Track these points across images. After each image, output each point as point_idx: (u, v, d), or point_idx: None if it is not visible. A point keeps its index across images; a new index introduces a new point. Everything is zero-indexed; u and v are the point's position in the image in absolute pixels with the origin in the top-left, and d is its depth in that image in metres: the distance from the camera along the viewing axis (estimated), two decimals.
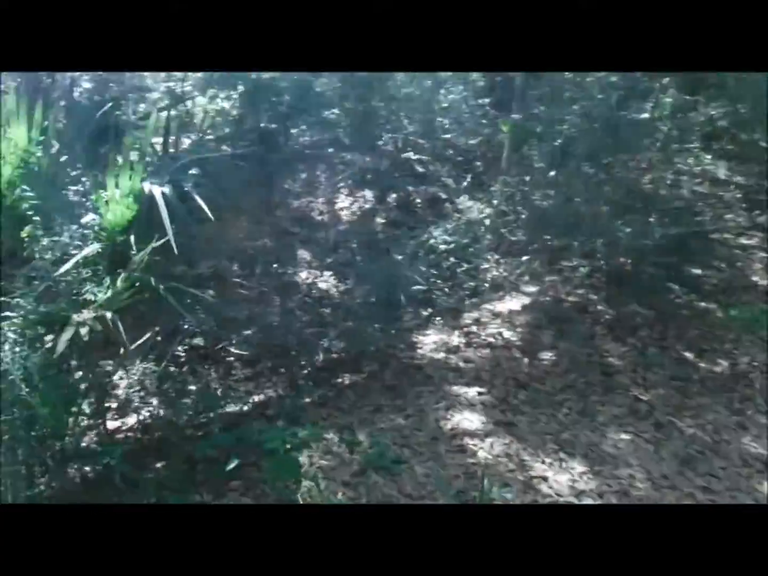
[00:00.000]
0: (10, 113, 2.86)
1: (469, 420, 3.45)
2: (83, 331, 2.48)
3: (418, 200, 5.56)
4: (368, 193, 5.61)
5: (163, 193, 2.81)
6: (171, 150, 3.42)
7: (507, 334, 4.23)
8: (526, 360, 3.99)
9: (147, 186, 2.86)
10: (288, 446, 2.80)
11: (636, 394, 3.71)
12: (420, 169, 5.74)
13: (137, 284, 2.72)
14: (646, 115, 4.58)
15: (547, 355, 4.04)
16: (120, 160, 2.87)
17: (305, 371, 3.88)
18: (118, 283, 2.67)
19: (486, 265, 4.80)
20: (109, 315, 2.55)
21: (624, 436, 3.37)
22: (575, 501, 2.91)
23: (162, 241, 2.70)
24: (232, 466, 2.77)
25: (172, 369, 3.52)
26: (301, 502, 2.72)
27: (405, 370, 3.92)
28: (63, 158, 2.96)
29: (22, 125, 2.87)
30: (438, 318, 4.40)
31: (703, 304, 4.49)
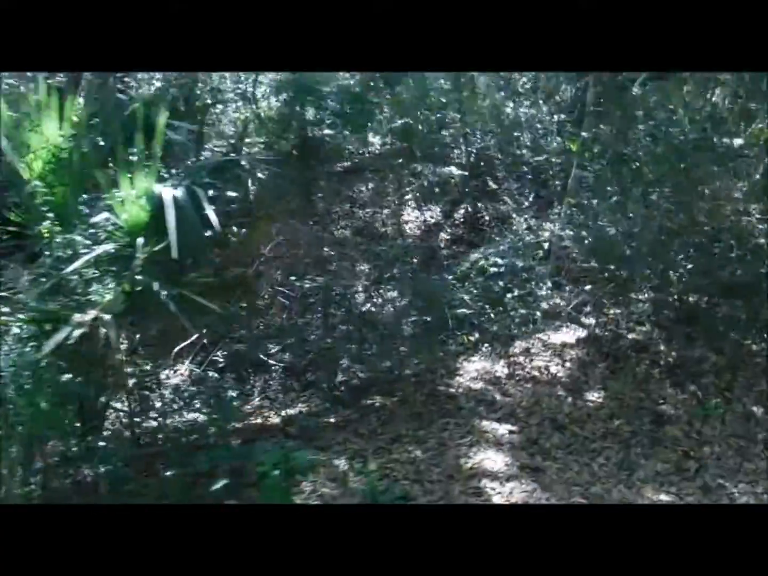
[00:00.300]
0: (43, 106, 2.83)
1: (493, 460, 3.13)
2: (78, 332, 2.41)
3: (487, 217, 5.32)
4: (436, 208, 5.42)
5: (175, 197, 2.73)
6: (202, 152, 3.38)
7: (554, 368, 3.88)
8: (569, 399, 3.62)
9: (159, 188, 2.78)
10: (279, 471, 2.62)
11: (686, 449, 3.22)
12: (492, 185, 5.49)
13: (139, 289, 2.65)
14: (739, 141, 4.05)
15: (593, 396, 3.65)
16: (136, 159, 2.80)
17: (337, 390, 3.79)
18: (119, 286, 2.61)
19: (542, 292, 4.40)
20: (107, 318, 2.47)
21: (663, 497, 2.90)
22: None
23: (161, 245, 2.60)
24: (218, 486, 2.63)
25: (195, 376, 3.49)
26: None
27: (437, 398, 3.69)
28: (93, 155, 2.88)
29: (54, 119, 2.84)
30: (486, 345, 4.12)
31: None
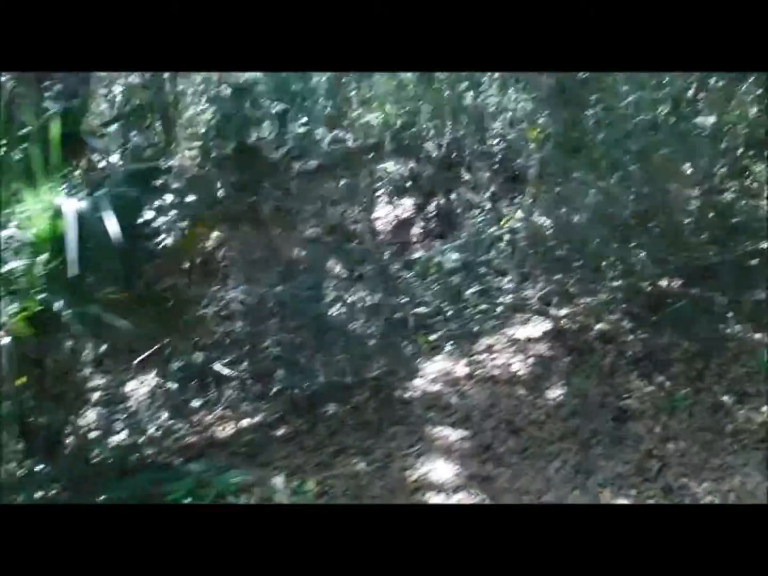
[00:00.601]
0: None
1: (440, 471, 2.97)
2: None
3: (451, 211, 5.24)
4: (407, 202, 5.31)
5: (79, 210, 2.54)
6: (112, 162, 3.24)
7: (517, 365, 3.72)
8: (529, 398, 3.46)
9: (61, 201, 2.59)
10: (191, 498, 2.48)
11: (649, 447, 3.05)
12: (459, 177, 5.39)
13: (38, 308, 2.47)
14: (712, 119, 3.94)
15: (554, 394, 3.49)
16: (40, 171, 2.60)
17: (293, 399, 3.61)
18: (12, 305, 2.44)
19: (506, 285, 4.29)
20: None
21: (622, 500, 2.74)
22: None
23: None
24: None
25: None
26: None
27: (391, 404, 3.53)
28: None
29: None
30: (449, 343, 3.99)
31: (758, 336, 3.66)
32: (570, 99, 3.91)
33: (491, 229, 4.69)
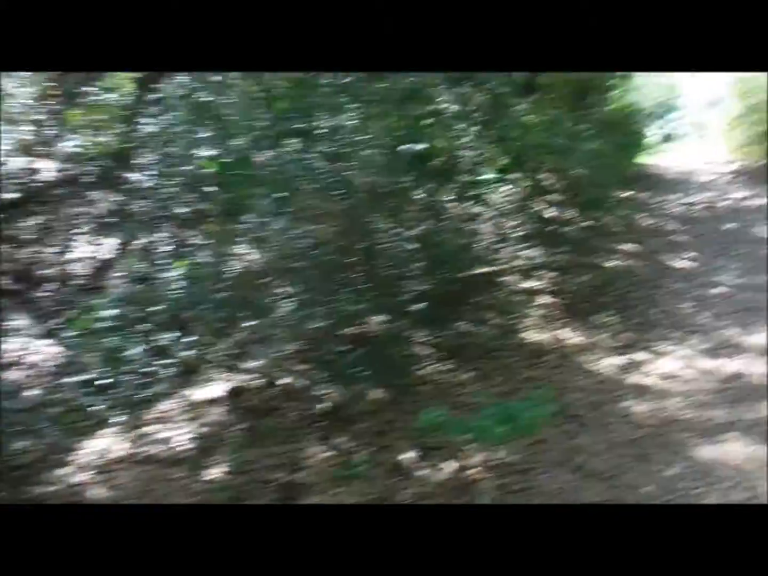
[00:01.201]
0: None
1: None
2: None
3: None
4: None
5: None
6: None
7: (182, 437, 3.15)
8: (183, 482, 2.89)
9: None
10: None
11: None
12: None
13: None
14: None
15: (216, 472, 3.01)
16: None
17: None
18: None
19: (178, 341, 3.21)
20: None
21: None
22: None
23: None
24: None
25: None
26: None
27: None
28: None
29: None
30: (113, 417, 3.04)
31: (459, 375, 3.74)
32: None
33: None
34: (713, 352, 4.36)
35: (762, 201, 10.64)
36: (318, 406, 3.30)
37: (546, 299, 5.35)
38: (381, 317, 3.77)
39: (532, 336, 4.68)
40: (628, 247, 7.31)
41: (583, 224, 6.65)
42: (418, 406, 3.34)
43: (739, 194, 11.12)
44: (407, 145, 3.74)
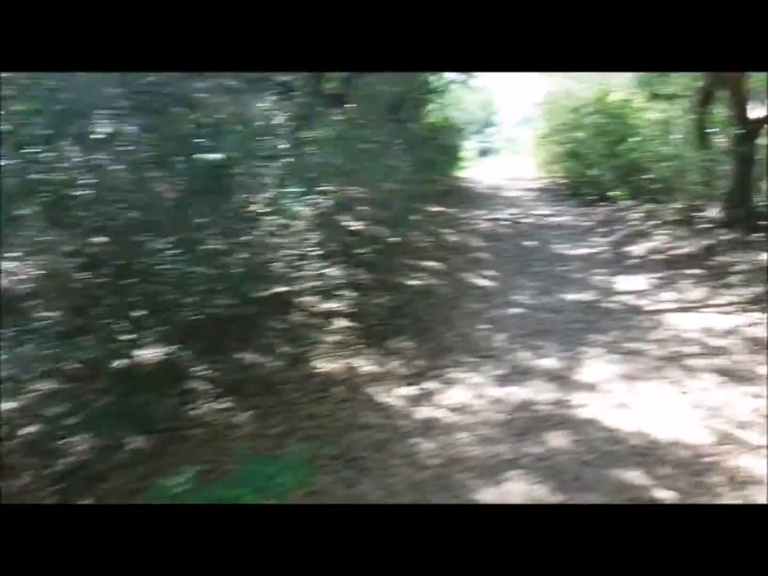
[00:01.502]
0: None
1: None
2: None
3: None
4: None
5: None
6: None
7: None
8: None
9: None
10: None
11: None
12: None
13: None
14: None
15: None
16: None
17: None
18: None
19: None
20: None
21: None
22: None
23: None
24: None
25: None
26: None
27: None
28: None
29: None
30: None
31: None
32: None
33: None
34: (505, 379, 4.29)
35: (561, 219, 10.74)
36: (61, 461, 2.84)
37: (342, 322, 5.14)
38: (154, 349, 3.41)
39: (322, 365, 4.44)
40: (431, 264, 7.23)
41: (389, 240, 6.55)
42: (185, 456, 3.14)
43: (542, 211, 11.52)
44: (200, 155, 3.43)
